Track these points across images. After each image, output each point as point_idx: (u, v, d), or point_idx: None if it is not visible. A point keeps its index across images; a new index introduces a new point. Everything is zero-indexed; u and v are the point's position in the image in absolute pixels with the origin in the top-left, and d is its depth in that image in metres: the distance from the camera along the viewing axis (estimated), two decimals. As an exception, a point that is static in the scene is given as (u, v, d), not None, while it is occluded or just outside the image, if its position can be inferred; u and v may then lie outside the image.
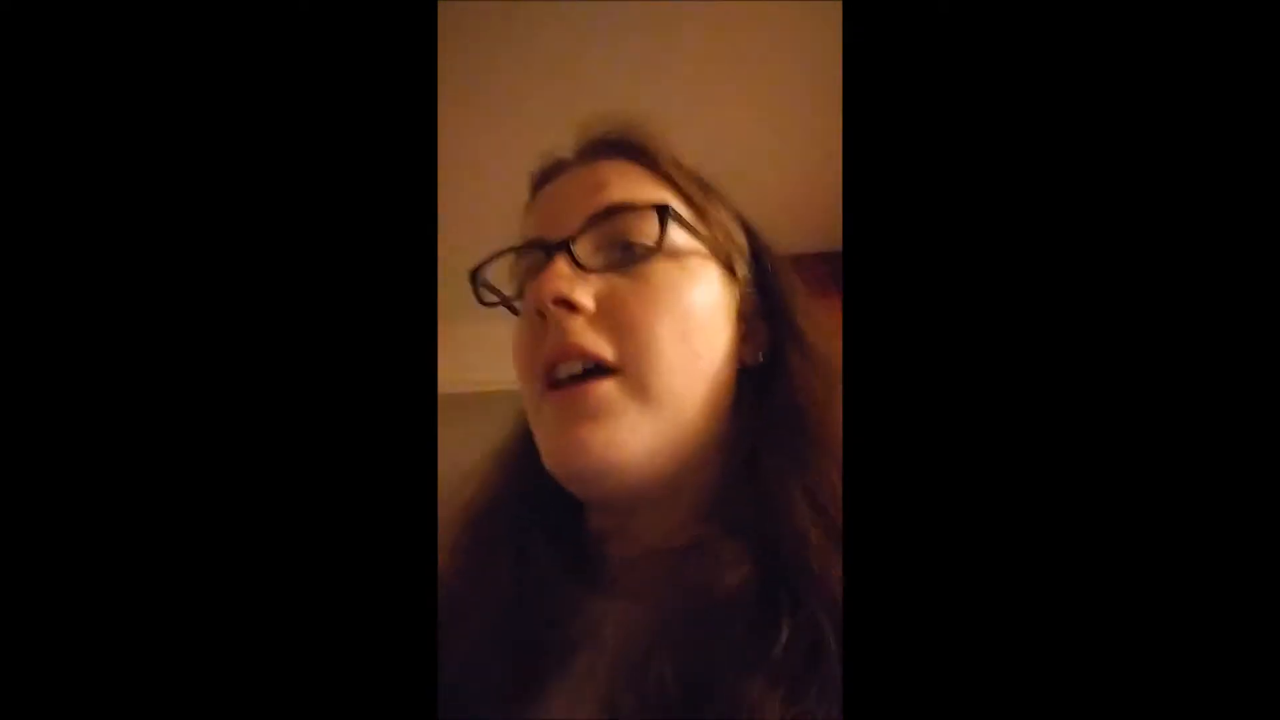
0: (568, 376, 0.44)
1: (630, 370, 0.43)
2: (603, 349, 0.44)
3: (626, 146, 0.51)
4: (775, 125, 1.49)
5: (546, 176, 0.53)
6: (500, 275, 0.52)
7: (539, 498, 0.49)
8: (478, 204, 1.27)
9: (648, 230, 0.46)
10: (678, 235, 0.47)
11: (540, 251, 0.47)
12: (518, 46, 1.34)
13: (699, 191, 0.51)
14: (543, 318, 0.45)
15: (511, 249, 0.50)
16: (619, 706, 0.38)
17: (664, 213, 0.46)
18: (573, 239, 0.46)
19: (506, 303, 0.52)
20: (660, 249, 0.46)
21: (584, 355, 0.43)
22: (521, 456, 0.51)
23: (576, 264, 0.45)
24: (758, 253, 0.53)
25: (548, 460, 0.45)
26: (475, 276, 0.51)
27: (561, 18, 1.27)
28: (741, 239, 0.52)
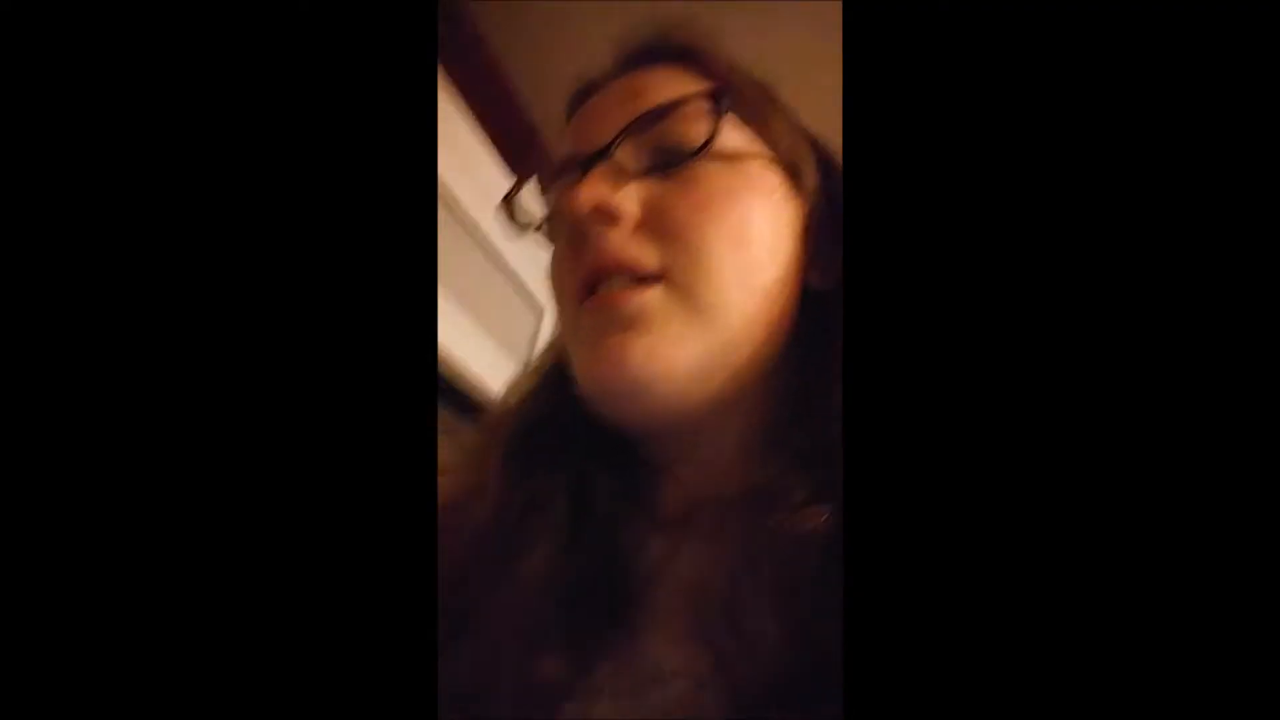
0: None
1: (677, 279, 0.39)
2: (647, 257, 0.39)
3: (670, 50, 0.47)
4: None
5: (582, 96, 0.48)
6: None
7: (589, 424, 0.43)
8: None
9: (696, 129, 0.41)
10: (733, 135, 0.42)
11: (577, 169, 0.42)
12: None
13: (758, 93, 0.46)
14: (581, 233, 0.41)
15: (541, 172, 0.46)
16: (722, 650, 0.35)
17: (718, 100, 0.41)
18: (610, 146, 0.41)
19: (541, 226, 0.47)
20: (711, 145, 0.41)
21: (627, 267, 0.39)
22: (562, 381, 0.46)
23: (616, 171, 0.41)
24: (827, 166, 0.47)
25: (582, 377, 0.41)
26: (509, 201, 0.46)
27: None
28: (807, 148, 0.47)
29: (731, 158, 0.42)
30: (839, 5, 0.32)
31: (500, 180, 1.48)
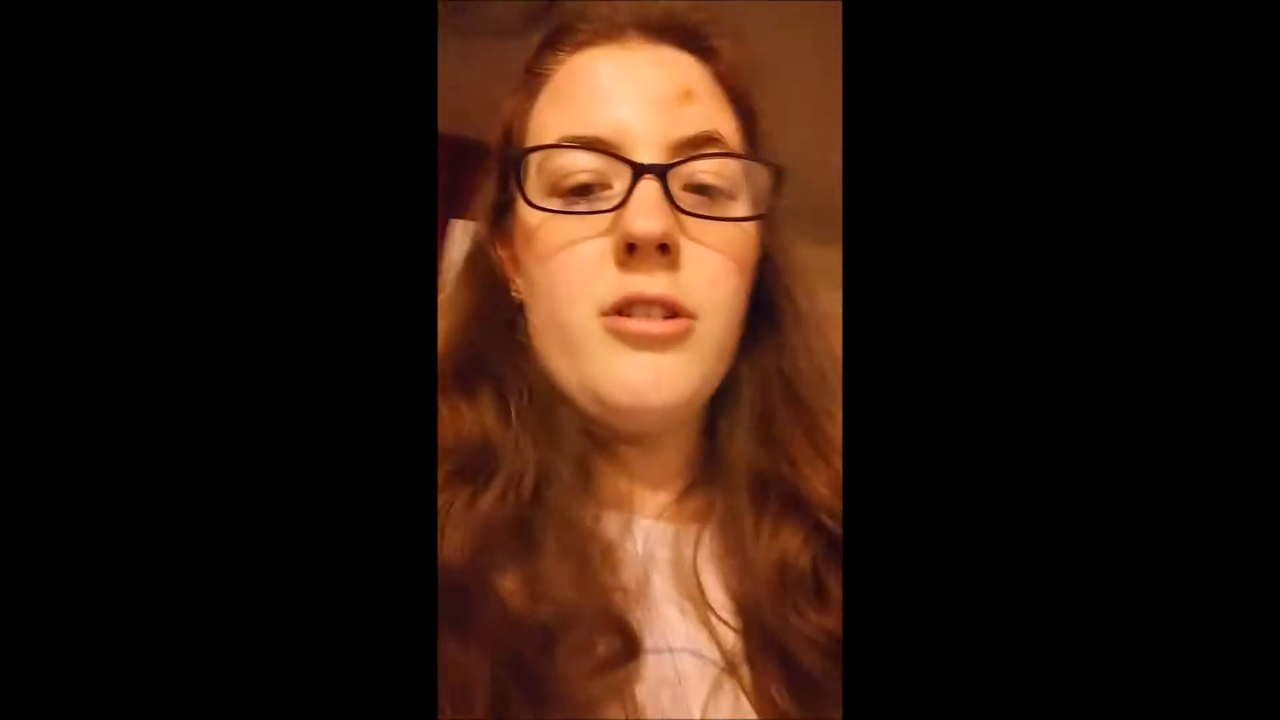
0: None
1: (706, 322, 0.41)
2: (689, 302, 0.41)
3: (696, 38, 0.45)
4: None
5: (571, 39, 0.45)
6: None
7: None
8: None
9: (733, 172, 0.43)
10: (757, 179, 0.43)
11: (623, 163, 0.41)
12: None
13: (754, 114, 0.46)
14: (629, 248, 0.40)
15: (570, 143, 0.42)
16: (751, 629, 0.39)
17: (779, 178, 0.43)
18: (668, 167, 0.41)
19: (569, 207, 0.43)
20: (740, 199, 0.43)
21: (672, 305, 0.40)
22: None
23: (669, 197, 0.40)
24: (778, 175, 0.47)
25: (583, 383, 0.42)
26: (520, 165, 0.43)
27: None
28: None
29: (747, 198, 0.44)
30: (839, 5, 0.32)
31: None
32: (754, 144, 0.46)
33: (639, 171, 0.40)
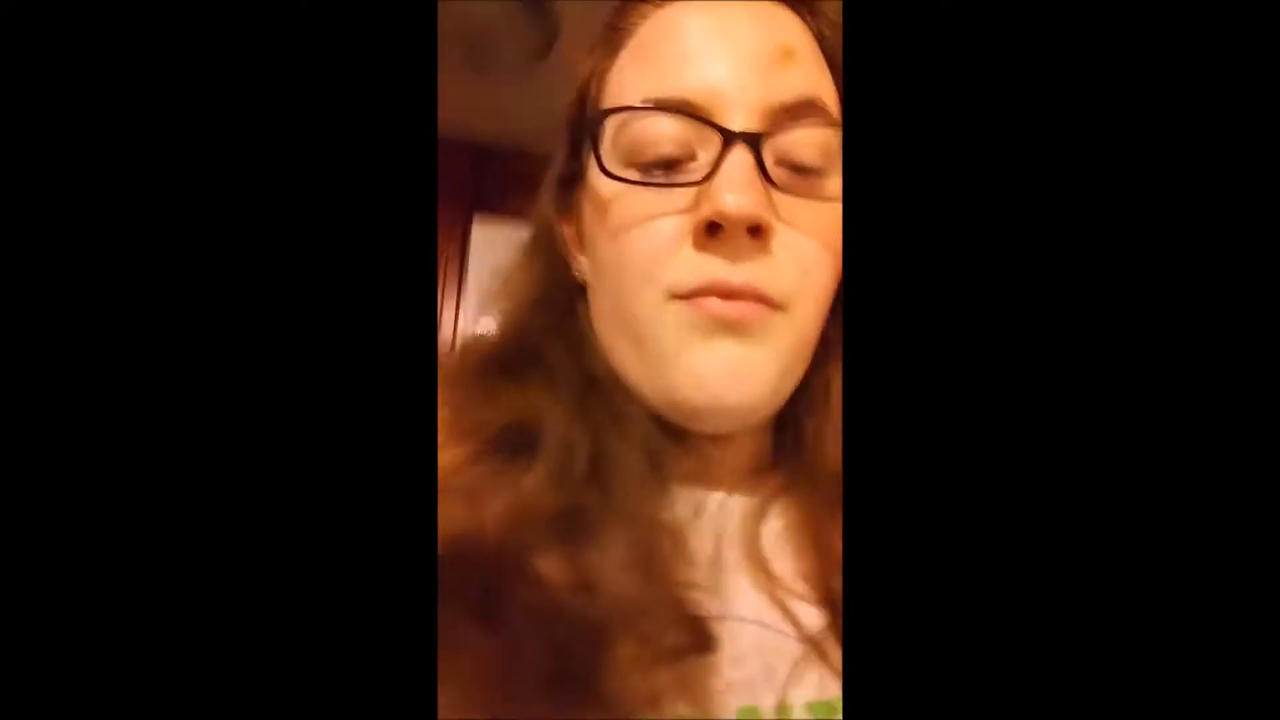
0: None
1: (798, 314, 0.37)
2: (780, 287, 0.36)
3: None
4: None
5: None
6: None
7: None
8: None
9: (833, 146, 0.37)
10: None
11: (712, 129, 0.36)
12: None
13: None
14: (712, 227, 0.35)
15: (653, 105, 0.37)
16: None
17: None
18: (764, 136, 0.36)
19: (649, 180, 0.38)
20: (833, 177, 0.37)
21: (760, 294, 0.36)
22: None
23: (763, 171, 0.35)
24: None
25: (651, 376, 0.37)
26: (597, 129, 0.38)
27: None
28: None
29: (837, 177, 0.38)
30: (839, 5, 0.32)
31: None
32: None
33: (730, 139, 0.35)
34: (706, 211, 0.35)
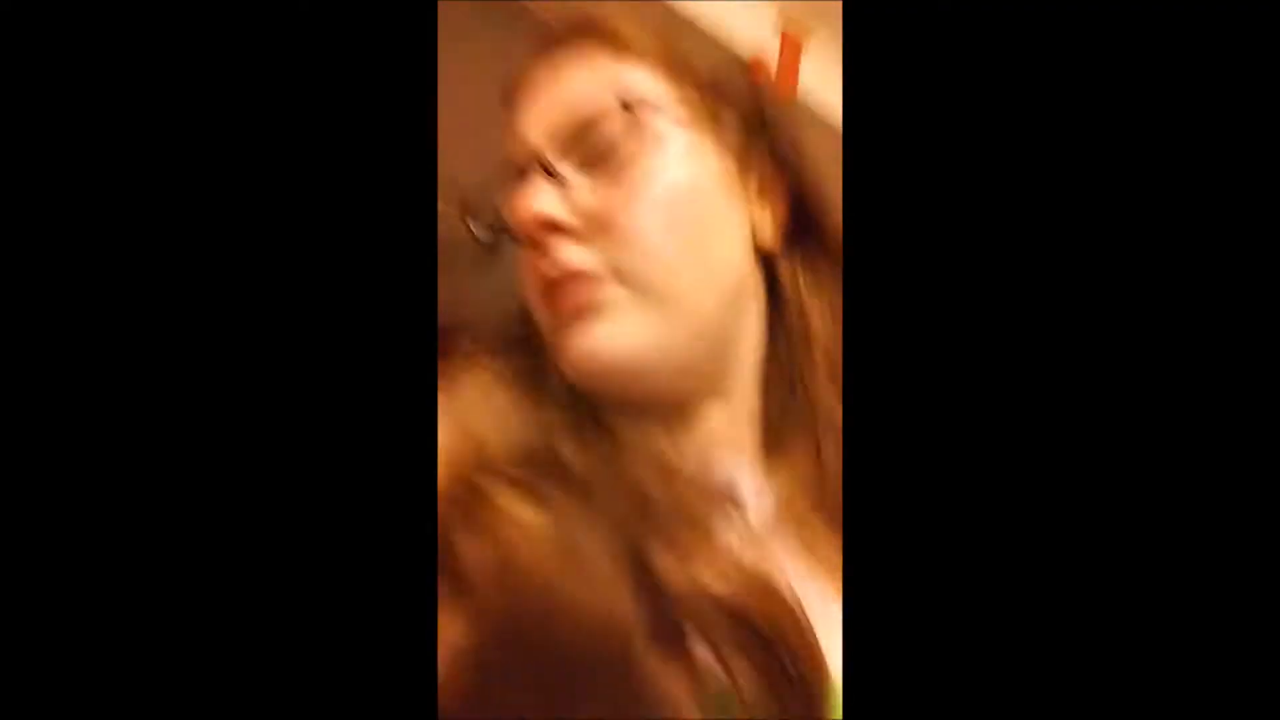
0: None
1: (631, 280, 0.41)
2: (596, 264, 0.41)
3: (579, 27, 0.46)
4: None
5: (512, 89, 0.47)
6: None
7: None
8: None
9: (615, 123, 0.42)
10: (648, 117, 0.43)
11: (515, 174, 0.43)
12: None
13: (667, 50, 0.46)
14: (536, 244, 0.41)
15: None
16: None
17: (628, 109, 0.42)
18: (542, 152, 0.42)
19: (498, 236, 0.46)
20: (630, 139, 0.42)
21: (585, 279, 0.41)
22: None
23: (551, 176, 0.42)
24: (759, 100, 0.47)
25: (560, 363, 0.42)
26: (466, 218, 0.46)
27: None
28: (734, 86, 0.46)
29: (648, 134, 0.43)
30: (839, 5, 0.32)
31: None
32: (677, 70, 0.45)
33: (520, 170, 0.43)
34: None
